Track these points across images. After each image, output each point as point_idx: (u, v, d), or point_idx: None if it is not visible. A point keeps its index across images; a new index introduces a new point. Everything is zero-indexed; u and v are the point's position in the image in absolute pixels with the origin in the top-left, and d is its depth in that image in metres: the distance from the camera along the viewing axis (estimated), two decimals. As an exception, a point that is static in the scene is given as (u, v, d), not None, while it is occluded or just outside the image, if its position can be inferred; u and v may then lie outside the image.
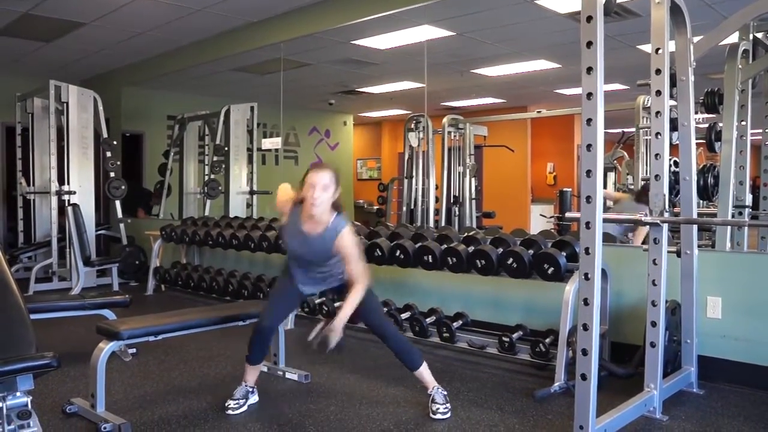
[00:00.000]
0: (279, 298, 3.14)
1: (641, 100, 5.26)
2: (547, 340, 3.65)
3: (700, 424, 2.84)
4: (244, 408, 3.02)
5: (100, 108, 6.89)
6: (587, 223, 2.46)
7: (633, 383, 3.13)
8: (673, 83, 3.15)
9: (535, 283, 3.77)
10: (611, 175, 7.24)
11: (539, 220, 8.67)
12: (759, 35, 4.01)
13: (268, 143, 7.63)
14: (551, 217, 7.95)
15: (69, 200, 6.51)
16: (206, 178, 7.72)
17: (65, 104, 6.59)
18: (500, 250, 3.86)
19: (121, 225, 7.05)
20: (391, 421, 2.88)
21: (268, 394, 3.27)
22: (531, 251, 3.73)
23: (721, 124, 4.03)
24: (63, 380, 3.39)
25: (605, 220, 2.61)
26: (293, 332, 4.73)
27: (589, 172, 2.45)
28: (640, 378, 3.02)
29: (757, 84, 4.16)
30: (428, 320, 4.28)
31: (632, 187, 6.25)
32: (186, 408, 3.04)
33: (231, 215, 6.98)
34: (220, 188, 7.53)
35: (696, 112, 3.46)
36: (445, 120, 7.28)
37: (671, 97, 3.12)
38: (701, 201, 4.68)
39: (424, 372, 3.01)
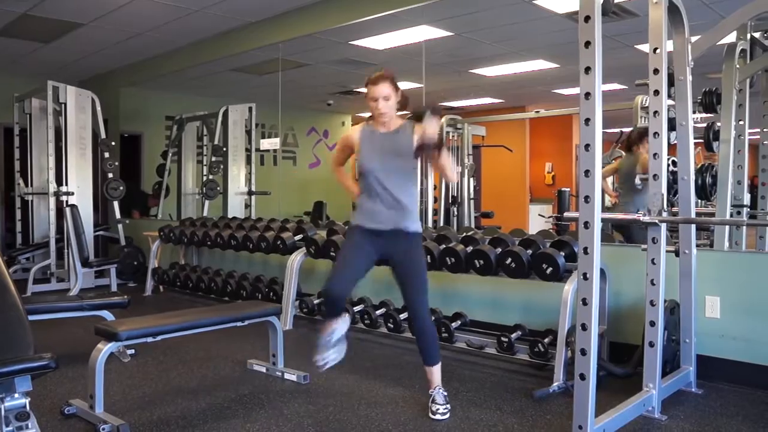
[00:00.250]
0: (352, 253, 2.97)
1: (639, 100, 5.25)
2: (546, 340, 3.65)
3: (699, 424, 2.84)
4: (339, 356, 3.02)
5: (98, 109, 6.88)
6: (586, 223, 2.47)
7: (632, 383, 3.13)
8: (671, 83, 3.16)
9: (534, 283, 3.77)
10: (610, 178, 7.24)
11: (538, 220, 8.69)
12: (756, 35, 4.01)
13: (267, 144, 7.63)
14: (550, 217, 7.97)
15: (67, 201, 6.50)
16: (204, 178, 7.72)
17: (63, 105, 6.59)
18: (499, 250, 3.86)
19: (120, 226, 7.04)
20: (390, 422, 2.88)
21: (267, 394, 3.26)
22: (529, 251, 3.74)
23: (719, 124, 4.03)
24: (61, 381, 3.39)
25: (604, 220, 2.61)
26: (292, 333, 4.73)
27: (587, 172, 2.45)
28: (639, 378, 3.02)
29: (754, 83, 4.16)
30: (427, 320, 4.27)
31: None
32: (185, 408, 3.04)
33: (229, 216, 6.99)
34: (218, 189, 7.53)
35: (694, 112, 3.46)
36: (443, 120, 7.28)
37: (669, 96, 3.12)
38: (699, 200, 4.69)
39: (436, 370, 3.00)
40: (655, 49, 2.98)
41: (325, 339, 2.99)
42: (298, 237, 5.25)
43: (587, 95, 2.43)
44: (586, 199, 2.46)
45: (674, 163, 3.47)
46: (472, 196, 7.48)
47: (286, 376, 3.53)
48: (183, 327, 3.20)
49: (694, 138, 3.34)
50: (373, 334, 4.56)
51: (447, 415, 2.91)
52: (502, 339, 3.83)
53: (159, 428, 2.78)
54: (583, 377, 2.46)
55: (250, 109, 7.45)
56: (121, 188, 6.93)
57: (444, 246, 4.05)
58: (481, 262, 3.85)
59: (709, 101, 4.10)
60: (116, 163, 7.01)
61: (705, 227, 4.72)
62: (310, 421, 2.89)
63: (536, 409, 3.04)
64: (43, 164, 6.88)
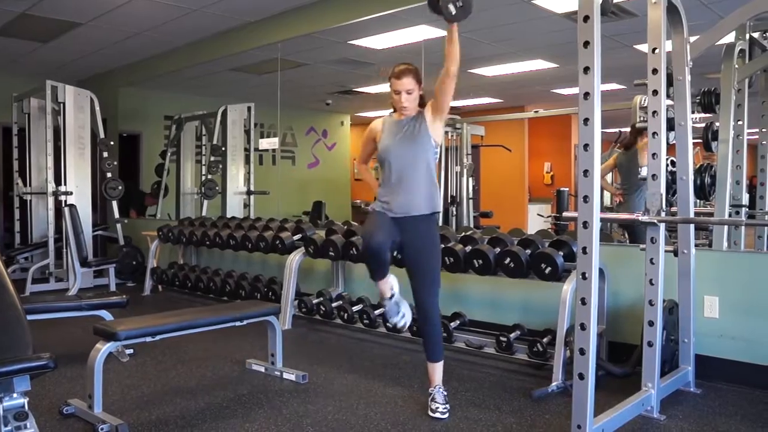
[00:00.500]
0: (380, 223, 2.99)
1: (638, 100, 5.25)
2: (545, 340, 3.65)
3: (698, 423, 2.84)
4: (406, 317, 3.09)
5: (97, 108, 6.87)
6: (584, 223, 2.47)
7: (630, 383, 3.13)
8: (669, 83, 3.16)
9: (533, 282, 3.78)
10: (609, 175, 7.25)
11: (536, 219, 8.69)
12: (755, 35, 4.01)
13: (266, 143, 7.62)
14: (548, 217, 7.97)
15: (66, 201, 6.49)
16: (203, 178, 7.72)
17: (62, 104, 6.58)
18: (497, 249, 3.86)
19: (118, 225, 7.03)
20: (389, 421, 2.88)
21: (265, 394, 3.26)
22: (528, 251, 3.74)
23: (717, 124, 4.03)
24: (60, 381, 3.38)
25: (603, 219, 2.62)
26: (292, 332, 4.73)
27: (586, 172, 2.45)
28: (638, 377, 3.02)
29: (753, 83, 4.16)
30: (426, 320, 4.27)
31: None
32: (183, 408, 3.04)
33: (228, 215, 6.98)
34: (217, 188, 7.53)
35: (693, 112, 3.46)
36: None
37: (668, 96, 3.12)
38: (698, 200, 4.69)
39: (439, 367, 3.01)
40: (654, 49, 2.98)
41: (388, 303, 3.05)
42: (297, 237, 5.25)
43: (586, 95, 2.43)
44: (585, 198, 2.46)
45: (673, 163, 3.48)
46: (470, 195, 7.49)
47: (285, 375, 3.52)
48: (182, 327, 3.20)
49: (693, 138, 3.34)
50: (372, 334, 4.56)
51: (446, 415, 2.91)
52: (501, 339, 3.83)
53: (158, 428, 2.78)
54: (581, 377, 2.46)
55: (249, 108, 7.44)
56: (120, 188, 6.93)
57: (443, 246, 4.05)
58: (480, 261, 3.85)
59: (708, 101, 4.10)
60: (115, 163, 7.01)
61: (704, 227, 4.73)
62: (309, 420, 2.89)
63: (535, 409, 3.04)
64: (42, 164, 6.87)
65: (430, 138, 2.98)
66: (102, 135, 6.93)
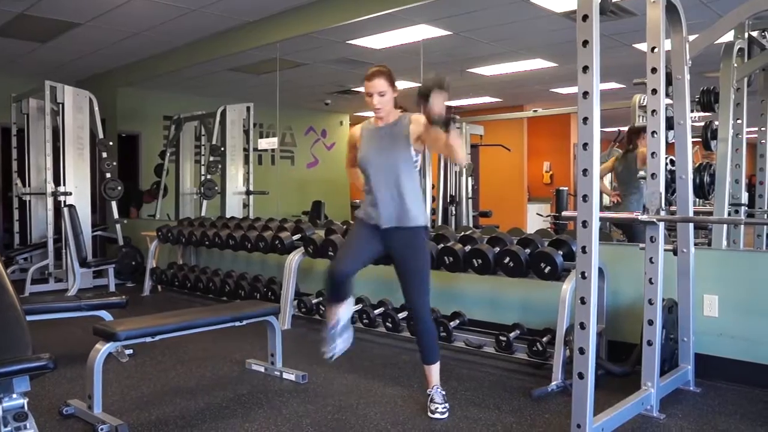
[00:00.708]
0: (357, 241, 2.99)
1: (637, 99, 5.26)
2: (544, 339, 3.65)
3: (697, 422, 2.84)
4: (347, 344, 3.02)
5: (96, 108, 6.87)
6: (584, 222, 2.46)
7: (630, 382, 3.13)
8: (668, 82, 3.16)
9: (532, 282, 3.78)
10: (606, 177, 7.25)
11: (536, 219, 8.68)
12: (754, 34, 4.02)
13: (265, 143, 7.62)
14: (548, 216, 7.97)
15: (65, 201, 6.49)
16: (202, 178, 7.72)
17: (61, 105, 6.57)
18: (497, 249, 3.86)
19: (118, 226, 7.03)
20: (389, 421, 2.88)
21: (265, 394, 3.26)
22: (528, 250, 3.74)
23: (716, 123, 4.04)
24: (59, 382, 3.38)
25: (602, 219, 2.61)
26: (291, 332, 4.73)
27: (585, 171, 2.45)
28: (637, 376, 3.02)
29: (752, 82, 4.16)
30: (425, 320, 4.27)
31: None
32: (183, 408, 3.04)
33: (227, 215, 6.98)
34: (216, 188, 7.53)
35: (692, 111, 3.46)
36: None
37: (667, 95, 3.12)
38: (697, 199, 4.69)
39: (435, 369, 3.00)
40: (653, 48, 2.98)
41: (331, 329, 2.98)
42: (296, 237, 5.25)
43: (585, 94, 2.43)
44: (585, 198, 2.46)
45: (672, 162, 3.48)
46: (470, 195, 7.49)
47: (285, 375, 3.52)
48: (181, 327, 3.20)
49: (692, 137, 3.34)
50: (372, 334, 4.56)
51: (446, 414, 2.91)
52: (501, 338, 3.83)
53: (157, 428, 2.77)
54: (581, 376, 2.46)
55: (248, 108, 7.44)
56: (119, 188, 6.92)
57: (442, 245, 4.05)
58: (480, 261, 3.85)
59: (707, 100, 4.11)
60: (114, 163, 7.01)
61: (703, 226, 4.73)
62: (309, 420, 2.89)
63: (535, 408, 3.04)
64: (41, 164, 6.87)
65: (409, 148, 2.92)
66: (101, 135, 6.93)
